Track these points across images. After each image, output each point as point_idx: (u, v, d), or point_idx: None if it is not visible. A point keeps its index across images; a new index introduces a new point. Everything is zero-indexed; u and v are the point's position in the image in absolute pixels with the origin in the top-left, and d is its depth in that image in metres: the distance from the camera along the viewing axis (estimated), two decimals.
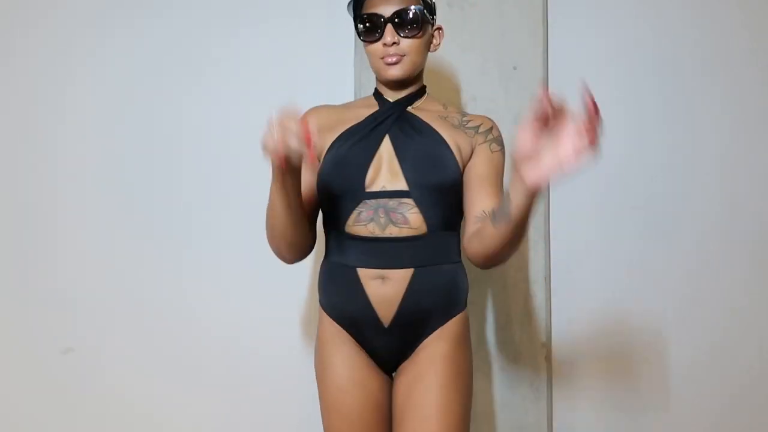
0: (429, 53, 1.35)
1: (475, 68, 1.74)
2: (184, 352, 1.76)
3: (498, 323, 1.75)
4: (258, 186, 1.79)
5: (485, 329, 1.75)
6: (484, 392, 1.74)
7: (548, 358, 1.75)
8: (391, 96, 1.33)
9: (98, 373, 1.75)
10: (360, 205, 1.23)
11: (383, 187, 1.23)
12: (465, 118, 1.33)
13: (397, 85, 1.32)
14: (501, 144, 1.32)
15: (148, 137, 1.79)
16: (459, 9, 1.74)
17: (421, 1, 1.29)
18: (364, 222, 1.22)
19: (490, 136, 1.30)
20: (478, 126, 1.31)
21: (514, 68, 1.74)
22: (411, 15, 1.25)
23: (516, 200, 0.99)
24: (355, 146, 1.25)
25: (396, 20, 1.25)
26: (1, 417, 1.72)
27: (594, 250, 1.83)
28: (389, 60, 1.26)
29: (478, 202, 1.23)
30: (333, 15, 1.79)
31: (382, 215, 1.22)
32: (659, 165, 1.84)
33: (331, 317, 1.29)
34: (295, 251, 1.27)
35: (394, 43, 1.25)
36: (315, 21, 1.81)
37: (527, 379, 1.74)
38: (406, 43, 1.26)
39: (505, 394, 1.74)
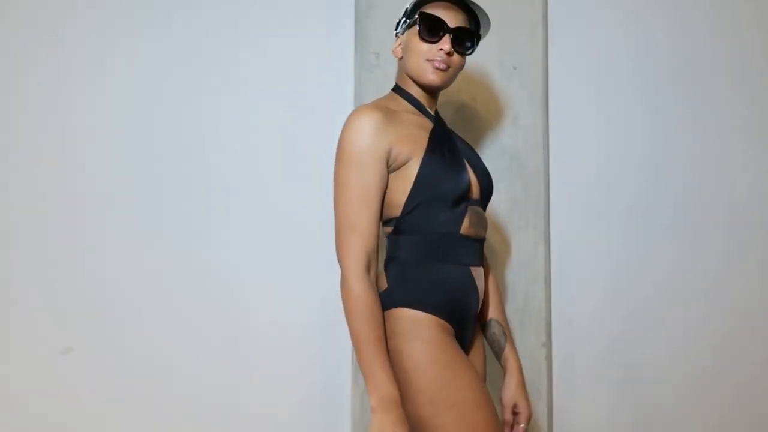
0: None
1: (475, 68, 1.74)
2: (184, 353, 1.76)
3: None
4: (259, 186, 1.80)
5: None
6: None
7: (548, 358, 1.75)
8: (428, 104, 1.37)
9: (98, 373, 1.75)
10: (469, 211, 1.30)
11: (477, 197, 1.34)
12: None
13: (431, 91, 1.36)
14: None
15: (152, 140, 1.78)
16: None
17: (476, 27, 1.37)
18: (474, 225, 1.31)
19: None
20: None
21: (514, 68, 1.74)
22: (470, 35, 1.34)
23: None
24: (451, 160, 1.30)
25: (457, 34, 1.31)
26: (1, 417, 1.72)
27: (594, 250, 1.83)
28: (438, 65, 1.30)
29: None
30: (333, 16, 1.79)
31: (480, 219, 1.33)
32: (658, 165, 1.84)
33: (437, 316, 1.25)
34: None
35: (449, 53, 1.30)
36: (316, 22, 1.81)
37: (527, 379, 1.74)
38: (456, 58, 1.32)
39: None
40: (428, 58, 1.30)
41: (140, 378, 1.75)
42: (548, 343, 1.75)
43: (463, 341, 1.31)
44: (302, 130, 1.81)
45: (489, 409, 1.22)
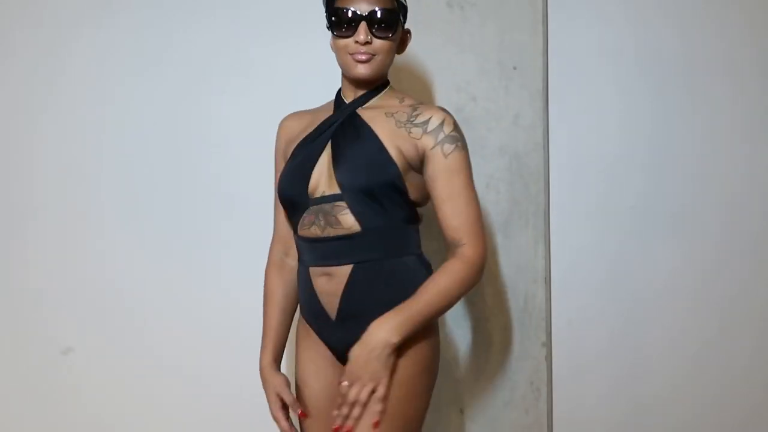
0: (398, 54, 1.35)
1: (475, 68, 1.74)
2: (184, 353, 1.76)
3: (498, 323, 1.75)
4: (259, 186, 1.79)
5: (485, 329, 1.75)
6: (485, 392, 1.74)
7: (548, 358, 1.75)
8: (350, 95, 1.34)
9: (98, 373, 1.75)
10: (306, 212, 1.29)
11: (323, 192, 1.27)
12: (415, 113, 1.29)
13: (361, 83, 1.32)
14: (455, 139, 1.27)
15: (154, 141, 1.79)
16: (459, 9, 1.74)
17: (395, 3, 1.28)
18: (307, 226, 1.28)
19: (441, 135, 1.26)
20: (427, 122, 1.27)
21: (514, 68, 1.74)
22: (386, 16, 1.26)
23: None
24: (303, 156, 1.31)
25: (371, 19, 1.25)
26: (1, 417, 1.72)
27: (594, 250, 1.83)
28: (359, 57, 1.26)
29: (441, 222, 1.27)
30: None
31: (321, 219, 1.27)
32: (659, 165, 1.84)
33: (301, 314, 1.40)
34: None
35: (367, 42, 1.25)
36: (316, 23, 1.81)
37: (527, 379, 1.74)
38: (378, 44, 1.26)
39: (505, 394, 1.74)
40: (348, 52, 1.27)
41: (140, 378, 1.75)
42: (548, 343, 1.75)
43: (326, 340, 1.34)
44: None
45: (303, 408, 1.37)
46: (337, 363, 1.32)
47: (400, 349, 1.22)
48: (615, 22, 1.84)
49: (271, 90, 1.79)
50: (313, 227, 1.27)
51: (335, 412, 1.19)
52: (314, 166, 1.29)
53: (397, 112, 1.30)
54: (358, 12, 1.24)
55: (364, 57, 1.25)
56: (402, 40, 1.35)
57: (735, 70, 1.85)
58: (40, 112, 1.77)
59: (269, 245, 1.44)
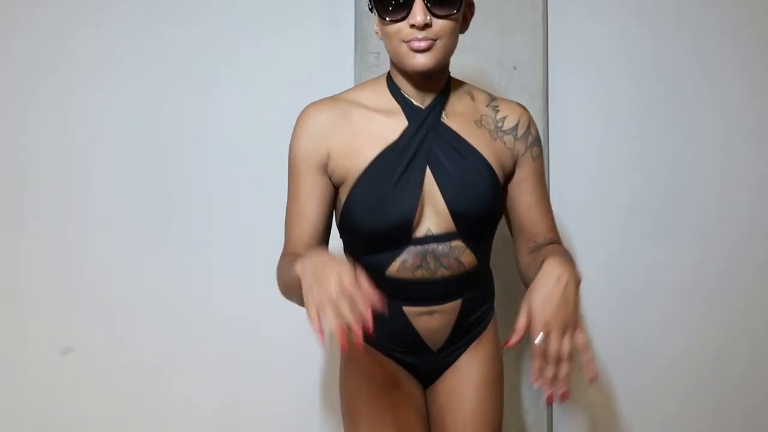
0: (462, 32, 1.12)
1: (475, 68, 1.74)
2: (185, 353, 1.76)
3: (498, 323, 1.75)
4: (259, 186, 1.79)
5: None
6: None
7: None
8: (417, 95, 1.10)
9: (98, 373, 1.75)
10: (404, 253, 1.07)
11: (429, 230, 1.06)
12: (498, 115, 1.13)
13: (423, 77, 1.07)
14: (538, 140, 1.17)
15: (152, 140, 1.78)
16: None
17: None
18: (410, 270, 1.08)
19: (530, 139, 1.15)
20: (516, 126, 1.13)
21: (514, 68, 1.74)
22: None
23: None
24: (395, 185, 1.04)
25: None
26: (1, 417, 1.72)
27: (594, 249, 1.83)
28: (418, 45, 1.01)
29: (531, 229, 1.14)
30: (333, 16, 1.79)
31: (431, 261, 1.07)
32: (659, 165, 1.84)
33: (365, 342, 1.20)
34: None
35: (426, 25, 1.00)
36: (316, 22, 1.81)
37: (527, 379, 1.74)
38: (440, 25, 1.01)
39: (505, 394, 1.73)
40: (402, 39, 1.02)
41: (140, 378, 1.75)
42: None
43: (420, 368, 1.18)
44: None
45: (380, 418, 1.10)
46: (416, 380, 1.20)
47: (493, 348, 1.20)
48: (615, 22, 1.84)
49: (266, 88, 1.79)
50: (419, 270, 1.08)
51: (536, 376, 0.94)
52: (417, 200, 1.05)
53: (482, 119, 1.12)
54: None
55: (423, 44, 1.01)
56: (464, 16, 1.10)
57: (737, 71, 1.85)
58: (36, 113, 1.77)
59: (278, 258, 1.15)
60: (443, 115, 1.10)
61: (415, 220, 1.06)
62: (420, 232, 1.07)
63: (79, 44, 1.77)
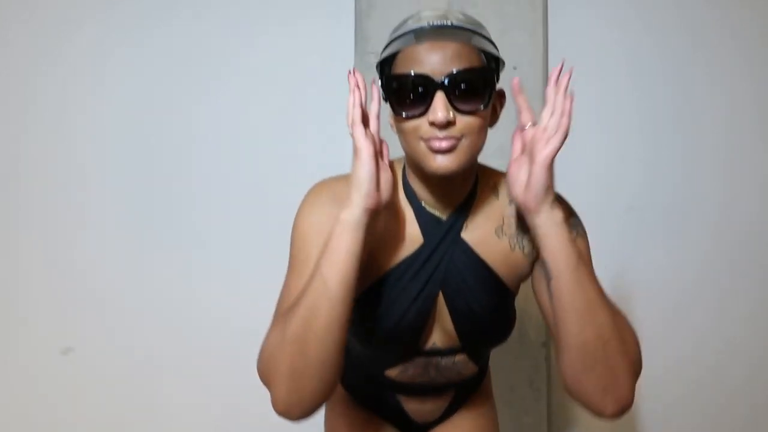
0: (490, 126, 0.94)
1: None
2: (184, 353, 1.76)
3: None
4: (257, 186, 1.79)
5: None
6: None
7: (548, 358, 1.74)
8: (436, 204, 0.95)
9: (98, 373, 1.75)
10: (407, 362, 1.02)
11: (434, 344, 1.00)
12: (519, 212, 0.96)
13: (444, 181, 0.92)
14: (574, 225, 1.02)
15: (151, 141, 1.78)
16: (459, 9, 1.74)
17: (483, 56, 0.88)
18: (410, 376, 1.03)
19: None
20: None
21: (514, 68, 1.74)
22: (473, 78, 0.85)
23: (538, 232, 0.85)
24: (407, 304, 0.95)
25: (452, 87, 0.84)
26: (1, 417, 1.72)
27: (594, 250, 1.82)
28: (439, 145, 0.85)
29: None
30: (333, 16, 1.79)
31: (432, 371, 1.02)
32: (660, 165, 1.84)
33: (347, 392, 1.16)
34: (325, 390, 0.87)
35: (450, 122, 0.84)
36: (316, 22, 1.81)
37: (527, 379, 1.74)
38: (464, 122, 0.85)
39: (505, 394, 1.74)
40: (421, 137, 0.86)
41: (140, 378, 1.75)
42: (548, 343, 1.75)
43: (398, 424, 1.15)
44: (302, 131, 1.80)
45: None
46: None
47: (486, 399, 1.17)
48: (615, 22, 1.84)
49: (266, 87, 1.79)
50: (419, 378, 1.04)
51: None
52: (428, 319, 0.97)
53: (505, 221, 0.97)
54: (432, 77, 0.84)
55: (445, 144, 0.85)
56: (493, 108, 0.94)
57: (736, 70, 1.85)
58: (39, 113, 1.77)
59: (268, 329, 0.99)
60: (464, 229, 0.97)
61: (422, 338, 0.99)
62: (425, 344, 1.00)
63: (77, 43, 1.77)
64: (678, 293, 1.84)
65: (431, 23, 0.88)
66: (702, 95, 1.84)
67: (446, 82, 0.84)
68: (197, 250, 1.78)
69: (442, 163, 0.86)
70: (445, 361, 1.01)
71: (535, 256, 0.98)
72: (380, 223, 0.93)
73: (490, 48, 0.89)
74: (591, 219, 1.85)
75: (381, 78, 0.91)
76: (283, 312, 0.91)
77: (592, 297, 0.87)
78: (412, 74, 0.85)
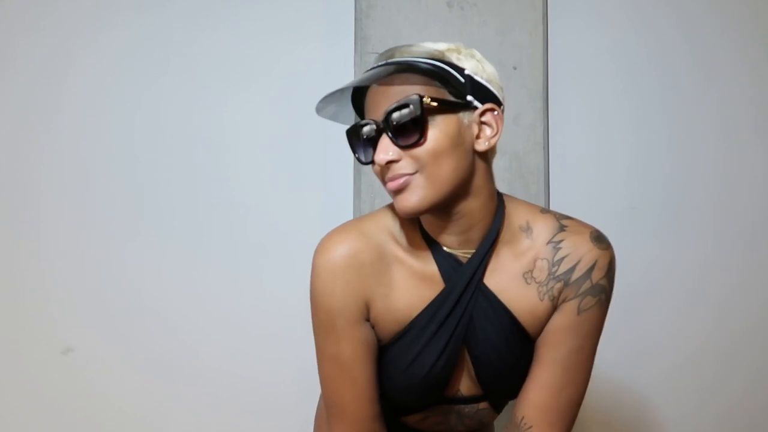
0: (479, 150, 0.87)
1: None
2: (184, 353, 1.76)
3: None
4: (258, 186, 1.79)
5: None
6: None
7: None
8: (455, 242, 0.90)
9: (98, 373, 1.75)
10: (430, 410, 0.99)
11: (459, 392, 0.97)
12: (558, 257, 0.91)
13: (451, 219, 0.89)
14: (600, 291, 0.91)
15: (153, 141, 1.79)
16: (458, 9, 1.74)
17: (427, 85, 0.84)
18: (430, 424, 1.00)
19: (586, 285, 0.90)
20: (572, 269, 0.90)
21: (514, 68, 1.74)
22: (409, 110, 0.82)
23: None
24: (441, 354, 0.91)
25: (387, 126, 0.83)
26: (2, 417, 1.72)
27: None
28: (392, 186, 0.85)
29: (526, 395, 0.93)
30: (333, 16, 1.79)
31: (453, 419, 1.00)
32: (659, 164, 1.84)
33: None
34: None
35: (392, 161, 0.83)
36: (316, 22, 1.81)
37: None
38: (414, 155, 0.83)
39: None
40: (383, 179, 0.87)
41: (140, 378, 1.75)
42: None
43: None
44: (302, 131, 1.80)
45: None
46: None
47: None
48: (615, 22, 1.84)
49: (266, 87, 1.80)
50: (439, 426, 1.01)
51: None
52: (452, 373, 0.93)
53: (537, 266, 0.91)
54: (375, 121, 0.85)
55: (395, 184, 0.84)
56: (480, 126, 0.87)
57: (735, 71, 1.85)
58: (46, 115, 1.77)
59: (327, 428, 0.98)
60: (487, 274, 0.92)
61: (449, 386, 0.96)
62: (449, 392, 0.97)
63: (76, 43, 1.77)
64: (678, 293, 1.84)
65: (367, 69, 0.90)
66: (700, 94, 1.84)
67: (382, 123, 0.84)
68: (198, 250, 1.78)
69: (401, 202, 0.85)
70: (468, 409, 0.98)
71: (562, 302, 0.93)
72: (400, 268, 0.91)
73: (439, 70, 0.85)
74: (590, 218, 1.85)
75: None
76: (338, 414, 0.92)
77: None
78: (360, 123, 0.87)
